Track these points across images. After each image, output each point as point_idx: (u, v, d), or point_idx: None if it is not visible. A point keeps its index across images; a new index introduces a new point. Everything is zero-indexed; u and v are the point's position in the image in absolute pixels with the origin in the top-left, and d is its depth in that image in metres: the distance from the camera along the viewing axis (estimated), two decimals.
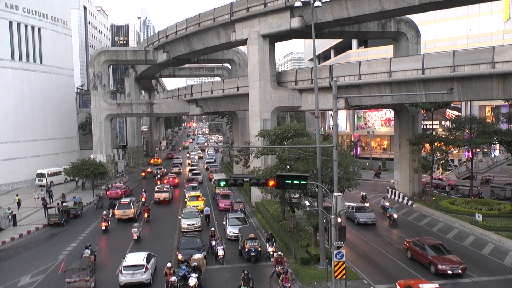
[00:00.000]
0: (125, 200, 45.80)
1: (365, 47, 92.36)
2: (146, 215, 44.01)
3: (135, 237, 36.97)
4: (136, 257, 27.88)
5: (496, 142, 49.84)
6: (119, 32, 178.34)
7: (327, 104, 45.04)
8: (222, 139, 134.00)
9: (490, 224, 38.20)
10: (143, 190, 55.36)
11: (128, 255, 28.94)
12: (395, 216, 42.28)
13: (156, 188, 56.22)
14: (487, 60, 36.18)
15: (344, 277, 22.87)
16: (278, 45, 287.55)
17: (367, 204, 45.31)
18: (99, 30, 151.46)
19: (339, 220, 32.39)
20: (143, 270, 26.76)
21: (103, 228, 40.51)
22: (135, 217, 44.62)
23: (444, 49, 65.34)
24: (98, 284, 27.23)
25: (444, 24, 78.80)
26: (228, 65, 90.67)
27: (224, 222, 39.34)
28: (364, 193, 49.32)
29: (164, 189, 55.16)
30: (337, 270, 22.48)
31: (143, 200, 51.35)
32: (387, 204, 45.20)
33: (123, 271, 26.70)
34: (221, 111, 71.47)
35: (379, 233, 38.94)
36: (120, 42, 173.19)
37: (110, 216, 43.94)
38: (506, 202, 46.12)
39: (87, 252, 30.13)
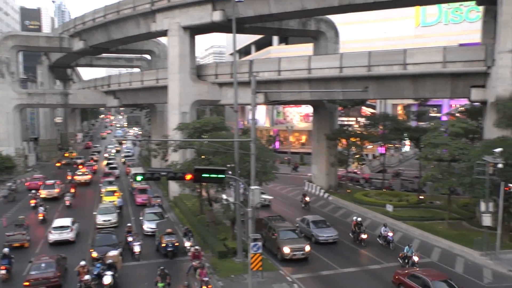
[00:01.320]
0: (50, 182, 52.19)
1: (286, 44, 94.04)
2: (73, 190, 51.43)
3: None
4: (63, 221, 34.72)
5: (407, 138, 53.15)
6: (30, 16, 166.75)
7: (246, 99, 45.30)
8: (140, 132, 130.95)
9: (399, 214, 40.70)
10: (68, 170, 65.65)
11: (56, 220, 35.65)
12: (416, 259, 28.22)
13: (77, 172, 63.21)
14: (400, 62, 38.28)
15: (260, 268, 23.19)
16: (200, 38, 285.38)
17: (364, 236, 33.79)
18: (5, 12, 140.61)
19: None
20: (69, 230, 33.68)
21: (32, 205, 45.58)
22: (59, 197, 50.61)
23: (361, 49, 67.99)
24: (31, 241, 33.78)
25: (362, 25, 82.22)
26: (148, 56, 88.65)
27: (141, 217, 38.47)
28: (359, 219, 35.44)
29: (86, 173, 62.97)
30: (253, 262, 22.71)
31: (69, 178, 60.04)
32: (390, 234, 33.36)
33: (52, 231, 33.41)
34: (140, 103, 69.84)
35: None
36: (32, 27, 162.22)
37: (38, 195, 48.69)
38: (414, 193, 49.17)
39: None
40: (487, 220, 29.77)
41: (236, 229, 30.66)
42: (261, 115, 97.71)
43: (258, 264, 22.85)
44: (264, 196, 44.96)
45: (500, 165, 28.50)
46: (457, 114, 50.43)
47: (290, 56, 48.12)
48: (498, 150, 28.84)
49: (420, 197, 46.56)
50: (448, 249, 32.50)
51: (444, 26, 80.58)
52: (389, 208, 42.07)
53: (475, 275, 27.32)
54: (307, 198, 46.91)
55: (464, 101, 54.15)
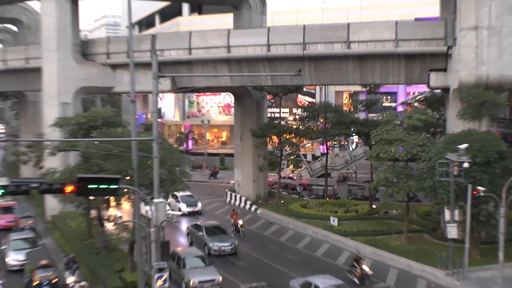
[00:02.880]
0: None
1: (199, 14, 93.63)
2: None
3: None
4: None
5: (354, 134, 54.29)
6: None
7: (148, 85, 44.00)
8: (4, 130, 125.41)
9: (346, 229, 41.44)
10: None
11: None
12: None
13: None
14: (342, 39, 39.03)
15: None
16: (87, 5, 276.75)
17: (367, 269, 31.45)
18: None
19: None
20: None
21: None
22: None
23: (295, 23, 68.93)
24: None
25: None
26: (14, 28, 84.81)
27: (4, 247, 36.64)
28: (358, 253, 32.76)
29: None
30: None
31: None
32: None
33: None
34: (3, 91, 66.56)
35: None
36: None
37: None
38: (365, 202, 50.44)
39: None
40: (452, 232, 30.85)
41: (136, 257, 29.72)
42: (169, 107, 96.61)
43: None
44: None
45: (466, 164, 29.55)
46: (415, 104, 52.38)
47: (205, 30, 47.74)
48: (463, 146, 29.96)
49: (372, 206, 47.75)
50: (407, 269, 33.52)
51: None
52: (334, 221, 42.66)
53: None
54: (240, 221, 43.81)
55: (423, 88, 56.24)
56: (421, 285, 30.93)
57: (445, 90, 39.04)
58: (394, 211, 46.51)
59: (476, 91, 34.48)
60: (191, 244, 40.15)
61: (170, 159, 31.29)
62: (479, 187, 30.08)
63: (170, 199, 48.54)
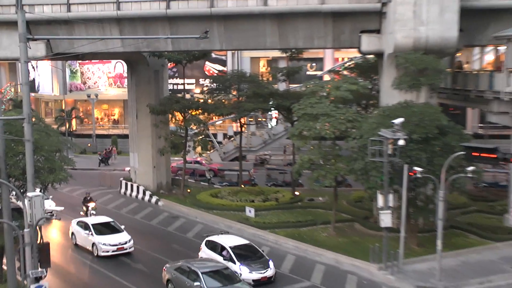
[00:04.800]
0: None
1: None
2: None
3: None
4: None
5: (273, 108, 55.00)
6: None
7: (14, 50, 42.99)
8: None
9: (265, 221, 42.47)
10: None
11: None
12: None
13: None
14: None
15: None
16: None
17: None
18: None
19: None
20: None
21: None
22: None
23: None
24: None
25: None
26: None
27: None
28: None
29: None
30: None
31: None
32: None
33: None
34: None
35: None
36: None
37: None
38: (286, 189, 51.61)
39: None
40: (386, 220, 32.29)
41: (6, 265, 29.29)
42: (45, 78, 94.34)
43: None
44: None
45: (402, 142, 30.86)
46: (344, 72, 53.75)
47: None
48: (399, 121, 31.29)
49: (295, 193, 48.97)
50: (335, 264, 34.85)
51: None
52: (250, 212, 43.49)
53: None
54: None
55: (354, 53, 57.67)
56: (351, 282, 32.13)
57: (379, 55, 40.41)
58: (321, 198, 47.92)
59: (414, 56, 35.93)
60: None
61: (48, 143, 30.79)
62: (416, 168, 31.42)
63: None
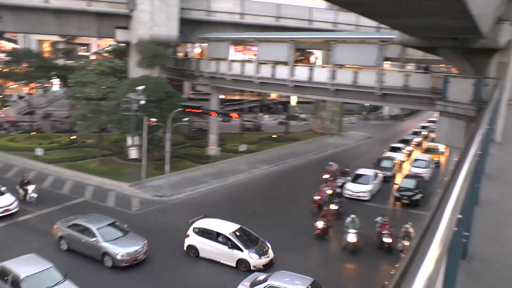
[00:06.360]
0: None
1: None
2: None
3: None
4: None
5: (55, 77, 53.82)
6: None
7: None
8: None
9: (50, 157, 41.56)
10: None
11: None
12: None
13: None
14: None
15: None
16: None
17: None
18: None
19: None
20: None
21: None
22: None
23: None
24: None
25: None
26: None
27: None
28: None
29: None
30: None
31: None
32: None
33: None
34: None
35: None
36: None
37: None
38: (65, 134, 50.51)
39: None
40: (133, 153, 34.65)
41: None
42: None
43: None
44: None
45: (142, 102, 33.13)
46: (105, 54, 53.63)
47: None
48: (141, 88, 33.37)
49: (72, 137, 48.24)
50: (101, 185, 35.62)
51: None
52: (39, 151, 42.24)
53: (125, 205, 31.26)
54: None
55: (112, 41, 57.75)
56: (112, 196, 33.30)
57: (128, 44, 41.70)
58: (90, 140, 47.57)
59: (151, 46, 38.32)
60: None
61: None
62: (152, 119, 33.83)
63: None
